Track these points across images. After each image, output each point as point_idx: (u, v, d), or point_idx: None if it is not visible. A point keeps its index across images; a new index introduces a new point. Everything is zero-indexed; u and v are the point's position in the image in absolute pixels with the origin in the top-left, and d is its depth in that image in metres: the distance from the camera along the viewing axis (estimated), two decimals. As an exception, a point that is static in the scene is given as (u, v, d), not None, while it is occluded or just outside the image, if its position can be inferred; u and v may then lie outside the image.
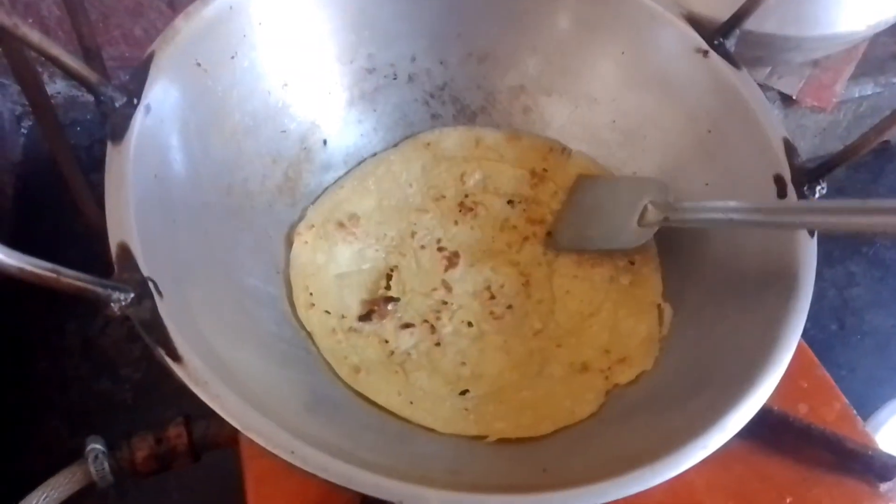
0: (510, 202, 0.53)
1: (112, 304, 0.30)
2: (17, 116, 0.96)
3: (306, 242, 0.48)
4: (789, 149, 0.43)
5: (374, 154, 0.53)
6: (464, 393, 0.43)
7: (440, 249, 0.50)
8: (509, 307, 0.47)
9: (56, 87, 0.94)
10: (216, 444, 0.42)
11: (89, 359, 0.79)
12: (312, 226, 0.48)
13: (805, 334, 0.37)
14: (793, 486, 0.43)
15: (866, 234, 0.87)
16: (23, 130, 0.97)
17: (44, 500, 0.39)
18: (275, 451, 0.29)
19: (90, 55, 0.62)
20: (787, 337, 0.36)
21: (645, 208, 0.46)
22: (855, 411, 0.46)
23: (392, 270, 0.48)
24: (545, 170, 0.54)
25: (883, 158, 1.05)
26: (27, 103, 0.65)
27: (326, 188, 0.51)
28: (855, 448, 0.43)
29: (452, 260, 0.49)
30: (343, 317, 0.45)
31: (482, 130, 0.55)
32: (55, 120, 0.64)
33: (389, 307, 0.46)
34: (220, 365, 0.32)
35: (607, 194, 0.50)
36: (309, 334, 0.44)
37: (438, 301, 0.47)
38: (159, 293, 0.31)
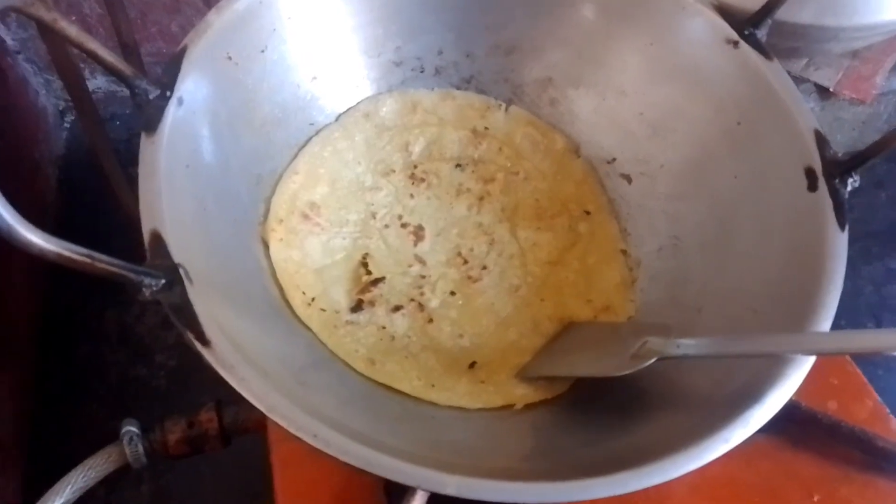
0: (458, 165, 0.53)
1: (144, 290, 0.31)
2: (60, 111, 0.99)
3: (281, 239, 0.46)
4: (821, 140, 0.42)
5: (318, 132, 0.51)
6: (472, 365, 0.44)
7: (403, 225, 0.49)
8: (484, 268, 0.48)
9: (97, 83, 0.97)
10: (246, 429, 0.43)
11: (126, 346, 0.82)
12: (281, 220, 0.46)
13: (840, 331, 0.36)
14: (821, 483, 0.42)
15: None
16: (66, 125, 1.00)
17: (82, 478, 0.41)
18: (298, 434, 0.30)
19: (128, 51, 0.64)
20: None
21: (643, 343, 0.40)
22: (888, 409, 0.45)
23: (365, 256, 0.47)
24: (486, 128, 0.54)
25: (927, 152, 1.01)
26: (69, 98, 0.67)
27: (281, 175, 0.48)
28: (886, 446, 0.42)
29: (418, 233, 0.49)
30: (337, 312, 0.45)
31: (417, 93, 0.54)
32: (95, 114, 0.66)
33: (376, 289, 0.46)
34: (248, 350, 0.33)
35: (598, 334, 0.46)
36: (312, 332, 0.43)
37: (417, 276, 0.47)
38: (189, 279, 0.32)
